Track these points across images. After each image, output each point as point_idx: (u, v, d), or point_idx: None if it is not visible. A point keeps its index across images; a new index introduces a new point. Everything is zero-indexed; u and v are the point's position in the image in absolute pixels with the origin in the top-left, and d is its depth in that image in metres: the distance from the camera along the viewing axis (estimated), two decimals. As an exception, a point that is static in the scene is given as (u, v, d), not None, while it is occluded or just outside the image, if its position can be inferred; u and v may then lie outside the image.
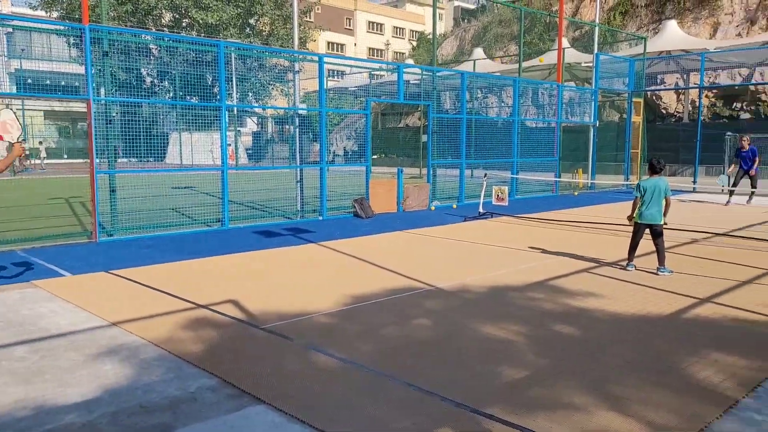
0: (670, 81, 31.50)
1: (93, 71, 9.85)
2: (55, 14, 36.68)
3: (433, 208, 15.12)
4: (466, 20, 55.08)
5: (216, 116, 13.25)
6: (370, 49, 75.88)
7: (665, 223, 7.65)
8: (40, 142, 35.88)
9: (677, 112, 31.43)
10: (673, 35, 29.13)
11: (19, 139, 6.22)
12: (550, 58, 28.55)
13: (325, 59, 13.41)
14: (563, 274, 7.53)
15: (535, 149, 18.83)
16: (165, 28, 37.69)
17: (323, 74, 12.85)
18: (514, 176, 17.70)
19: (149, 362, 4.49)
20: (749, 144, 15.45)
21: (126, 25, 33.58)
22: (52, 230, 10.59)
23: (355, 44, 74.82)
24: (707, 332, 5.21)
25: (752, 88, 28.88)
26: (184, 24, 38.69)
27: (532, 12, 31.71)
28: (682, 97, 31.11)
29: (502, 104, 33.75)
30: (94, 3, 26.53)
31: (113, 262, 8.30)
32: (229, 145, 19.81)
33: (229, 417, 3.60)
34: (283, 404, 3.74)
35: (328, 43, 70.97)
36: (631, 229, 7.97)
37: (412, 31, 78.60)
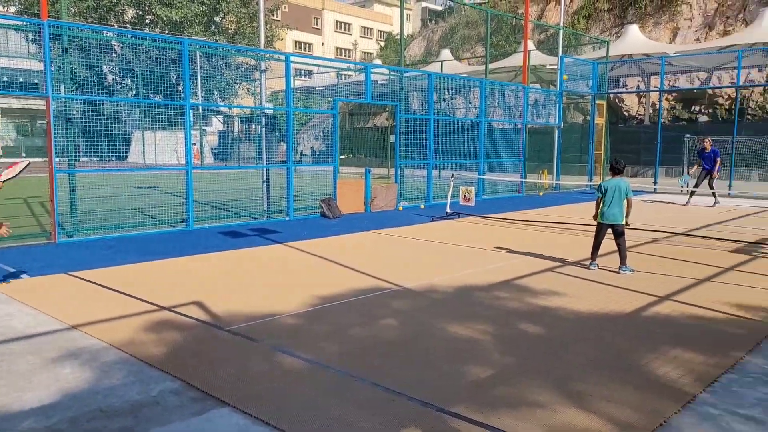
0: (632, 84, 32.20)
1: (52, 68, 9.60)
2: (12, 9, 35.64)
3: (401, 208, 15.16)
4: (433, 21, 55.42)
5: (180, 115, 13.04)
6: (337, 48, 75.70)
7: (628, 224, 7.81)
8: None
9: (639, 114, 32.15)
10: (634, 39, 29.79)
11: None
12: (515, 60, 28.92)
13: (292, 58, 13.32)
14: (528, 273, 7.63)
15: (502, 150, 19.04)
16: (128, 25, 36.96)
17: (290, 73, 12.77)
18: (481, 177, 17.86)
19: (110, 365, 4.39)
20: (711, 146, 15.94)
21: (87, 22, 32.80)
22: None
23: (322, 44, 74.56)
24: (667, 329, 5.33)
25: (710, 91, 29.72)
26: (147, 21, 37.99)
27: (498, 14, 32.08)
28: (643, 100, 31.84)
29: (469, 105, 34.05)
30: (53, -2, 25.84)
31: (73, 263, 8.10)
32: (194, 144, 19.54)
33: (192, 420, 3.55)
34: (249, 406, 3.70)
35: (296, 42, 70.55)
36: (594, 228, 8.12)
37: (380, 31, 78.68)
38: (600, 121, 23.14)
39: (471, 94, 33.38)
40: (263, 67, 13.53)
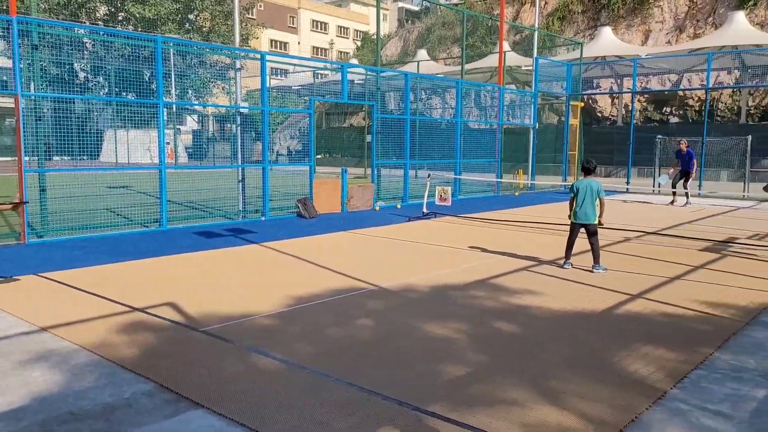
0: (605, 85, 32.67)
1: (21, 65, 9.40)
2: (-21, 4, 34.80)
3: (377, 208, 15.16)
4: (410, 21, 55.54)
5: (154, 113, 12.88)
6: (314, 48, 75.45)
7: (601, 223, 7.93)
8: None
9: (612, 115, 32.63)
10: (607, 41, 30.24)
11: None
12: (491, 61, 29.12)
13: (268, 57, 13.23)
14: (504, 272, 7.69)
15: (478, 150, 19.16)
16: (100, 22, 36.36)
17: (265, 72, 12.68)
18: (457, 177, 17.96)
19: (81, 368, 4.31)
20: (687, 147, 16.36)
21: (58, 18, 32.20)
22: (-24, 231, 10.05)
23: (299, 43, 74.24)
24: (639, 327, 5.42)
25: (681, 93, 30.30)
26: (120, 18, 37.42)
27: (474, 15, 32.26)
28: (616, 101, 32.32)
29: (446, 105, 34.20)
30: (22, -7, 25.31)
31: (43, 264, 7.94)
32: (168, 143, 19.29)
33: (166, 423, 3.51)
34: (223, 408, 3.67)
35: (271, 41, 70.13)
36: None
37: (357, 30, 78.61)
38: (574, 121, 23.43)
39: (447, 94, 33.54)
40: (238, 66, 13.43)
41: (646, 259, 8.72)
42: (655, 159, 20.78)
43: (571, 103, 23.30)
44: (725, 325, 5.46)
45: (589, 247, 7.94)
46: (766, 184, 17.04)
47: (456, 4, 38.28)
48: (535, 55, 22.97)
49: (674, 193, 16.85)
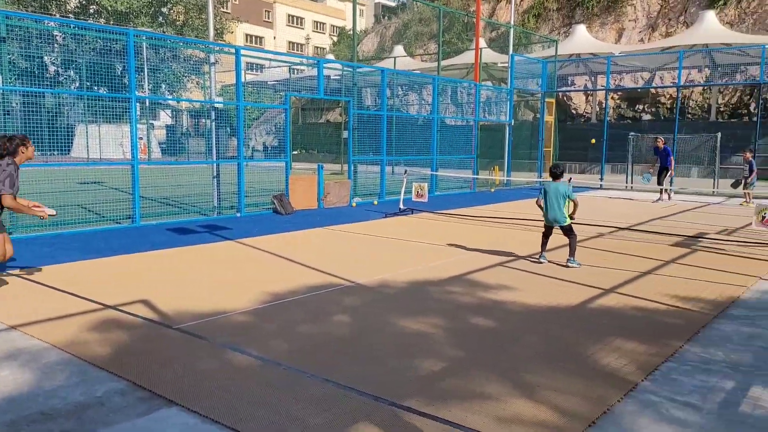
0: (580, 83, 33.05)
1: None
2: (-55, -5, 33.87)
3: (354, 204, 15.14)
4: (386, 17, 55.52)
5: (126, 108, 12.67)
6: (290, 42, 74.95)
7: (573, 217, 8.04)
8: None
9: (586, 112, 33.02)
10: (582, 39, 30.57)
11: None
12: (468, 57, 29.22)
13: (243, 52, 13.10)
14: (480, 268, 7.74)
15: (454, 146, 19.25)
16: (70, 15, 35.65)
17: (240, 67, 12.57)
18: (434, 173, 18.02)
19: (52, 367, 4.24)
20: (663, 144, 16.65)
21: (27, 10, 31.48)
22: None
23: (274, 37, 73.69)
24: (611, 321, 5.50)
25: (653, 91, 30.77)
26: (91, 11, 36.75)
27: (451, 11, 32.36)
28: (590, 98, 32.70)
29: (422, 102, 34.26)
30: (-10, -16, 24.73)
31: (11, 261, 7.77)
32: (141, 138, 19.02)
33: (139, 421, 3.46)
34: (198, 405, 3.63)
35: (247, 35, 69.50)
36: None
37: (333, 26, 78.31)
38: (549, 118, 23.66)
39: (424, 90, 33.59)
40: (213, 60, 13.28)
41: (618, 254, 8.85)
42: (628, 156, 21.09)
43: (546, 100, 23.52)
44: (695, 319, 5.57)
45: (564, 242, 8.05)
46: (734, 180, 17.44)
47: (432, 1, 38.35)
48: (510, 52, 23.12)
49: (662, 191, 17.06)
